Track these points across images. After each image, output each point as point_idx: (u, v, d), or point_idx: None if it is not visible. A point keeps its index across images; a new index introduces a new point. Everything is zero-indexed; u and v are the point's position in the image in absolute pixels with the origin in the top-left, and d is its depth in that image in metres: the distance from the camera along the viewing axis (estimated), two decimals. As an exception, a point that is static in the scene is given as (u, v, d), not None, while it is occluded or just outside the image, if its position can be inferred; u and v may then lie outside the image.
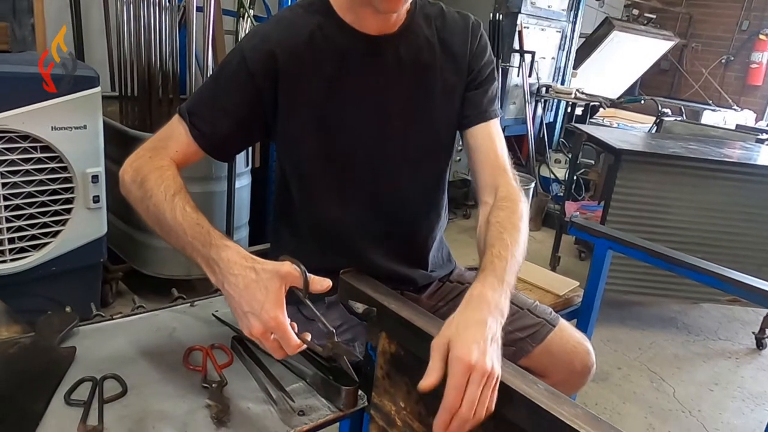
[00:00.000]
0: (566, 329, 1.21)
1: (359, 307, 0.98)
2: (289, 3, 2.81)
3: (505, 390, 0.77)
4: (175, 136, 1.02)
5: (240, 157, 2.60)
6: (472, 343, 0.74)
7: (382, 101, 1.06)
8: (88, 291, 2.18)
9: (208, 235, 0.86)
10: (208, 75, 2.52)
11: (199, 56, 2.62)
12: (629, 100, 4.95)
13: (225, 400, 0.90)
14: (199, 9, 2.53)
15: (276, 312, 0.80)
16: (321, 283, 0.85)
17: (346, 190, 1.10)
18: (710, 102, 6.14)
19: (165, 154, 0.99)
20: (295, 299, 0.85)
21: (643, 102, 4.69)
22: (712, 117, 5.13)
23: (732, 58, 6.54)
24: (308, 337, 0.84)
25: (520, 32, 4.08)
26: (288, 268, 0.83)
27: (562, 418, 0.70)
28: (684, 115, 4.63)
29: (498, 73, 4.00)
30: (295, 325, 0.82)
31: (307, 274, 0.84)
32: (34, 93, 1.82)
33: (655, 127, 4.11)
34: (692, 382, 2.58)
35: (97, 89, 1.98)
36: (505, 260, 0.88)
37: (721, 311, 3.28)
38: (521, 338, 1.17)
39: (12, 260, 1.95)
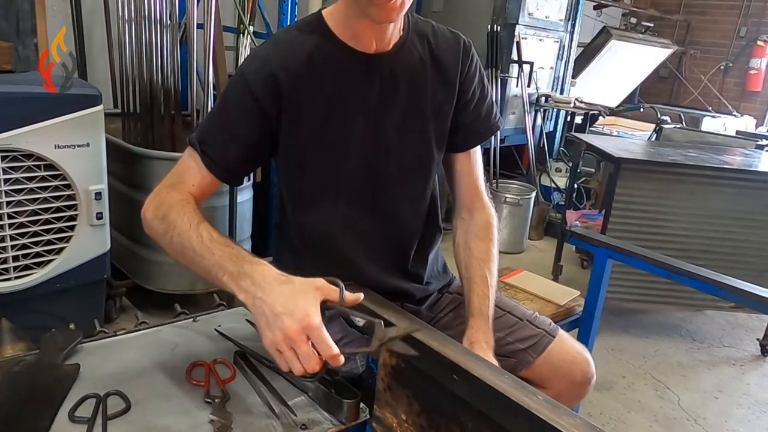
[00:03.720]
0: (566, 339, 1.22)
1: (360, 320, 0.98)
2: (289, 18, 2.84)
3: (505, 401, 0.77)
4: (189, 169, 1.03)
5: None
6: None
7: (378, 118, 1.08)
8: (91, 307, 2.19)
9: (240, 253, 0.88)
10: (209, 91, 2.55)
11: (200, 73, 2.64)
12: (628, 108, 4.97)
13: (228, 414, 0.91)
14: (200, 26, 2.56)
15: (312, 311, 0.79)
16: (355, 297, 0.86)
17: (343, 206, 1.11)
18: (710, 108, 6.14)
19: (183, 188, 1.01)
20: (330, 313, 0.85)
21: (642, 110, 4.70)
22: (712, 123, 5.13)
23: (731, 65, 6.56)
24: (346, 350, 0.82)
25: (518, 43, 4.10)
26: (322, 282, 0.84)
27: (562, 429, 0.71)
28: (684, 123, 4.63)
29: (497, 83, 4.03)
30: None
31: (344, 289, 0.85)
32: (37, 112, 1.84)
33: (655, 135, 4.12)
34: (697, 389, 2.57)
35: (100, 107, 2.00)
36: (487, 298, 1.12)
37: (725, 318, 3.27)
38: (522, 349, 1.18)
39: (16, 278, 1.96)
